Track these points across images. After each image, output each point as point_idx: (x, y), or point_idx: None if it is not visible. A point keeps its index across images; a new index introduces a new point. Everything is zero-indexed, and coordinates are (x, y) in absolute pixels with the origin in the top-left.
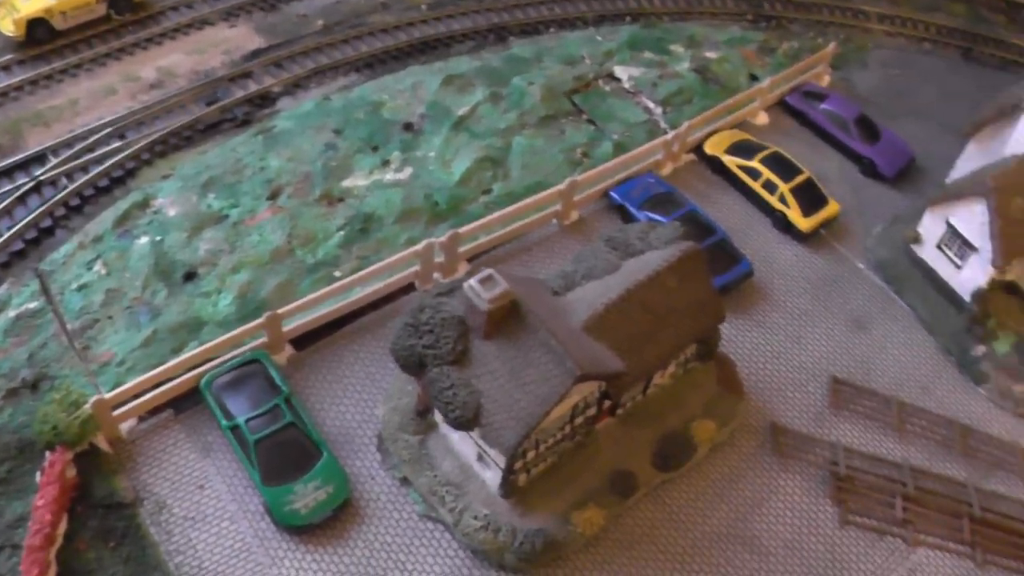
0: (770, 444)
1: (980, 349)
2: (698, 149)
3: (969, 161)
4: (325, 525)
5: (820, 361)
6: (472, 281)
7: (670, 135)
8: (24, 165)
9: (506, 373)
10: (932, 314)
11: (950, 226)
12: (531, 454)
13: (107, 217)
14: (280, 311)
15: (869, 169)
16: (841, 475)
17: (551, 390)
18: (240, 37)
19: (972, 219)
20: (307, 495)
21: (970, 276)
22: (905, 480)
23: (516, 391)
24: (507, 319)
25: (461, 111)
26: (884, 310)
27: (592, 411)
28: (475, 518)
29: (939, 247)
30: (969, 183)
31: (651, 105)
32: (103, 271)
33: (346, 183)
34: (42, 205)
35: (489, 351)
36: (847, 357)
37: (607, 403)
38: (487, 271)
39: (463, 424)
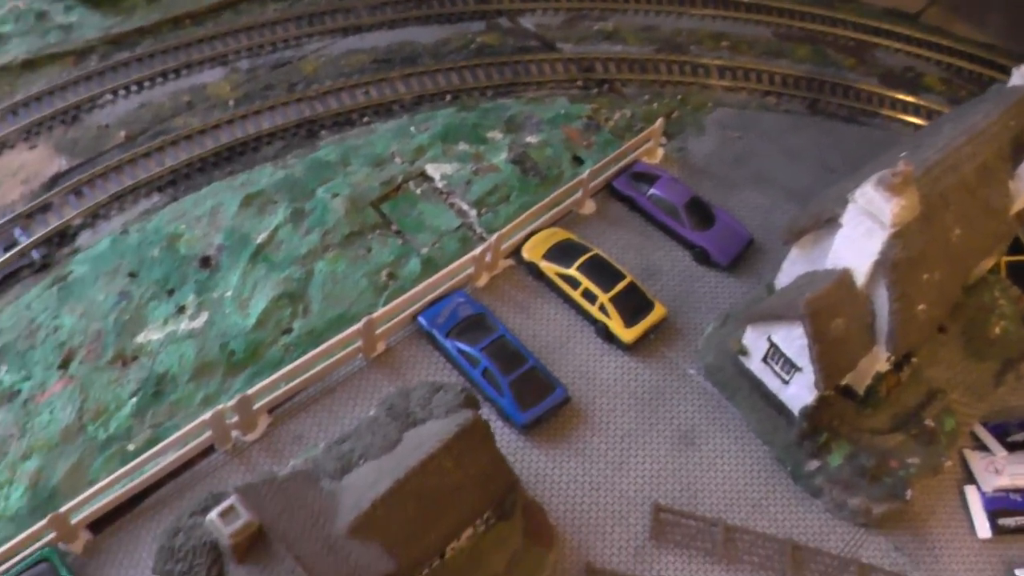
0: None
1: (813, 464)
2: (519, 251)
3: (794, 265)
4: None
5: (644, 487)
6: (213, 515)
7: (479, 250)
8: None
9: None
10: (763, 425)
11: (772, 344)
12: None
13: None
14: (63, 509)
15: (702, 258)
16: None
17: None
18: (39, 160)
19: (792, 340)
20: None
21: (796, 392)
22: None
23: None
24: (256, 544)
25: (260, 237)
26: (715, 421)
27: None
28: None
29: (765, 360)
30: (785, 304)
31: (465, 207)
32: None
33: (140, 339)
34: None
35: None
36: (673, 479)
37: None
38: (230, 499)
39: None
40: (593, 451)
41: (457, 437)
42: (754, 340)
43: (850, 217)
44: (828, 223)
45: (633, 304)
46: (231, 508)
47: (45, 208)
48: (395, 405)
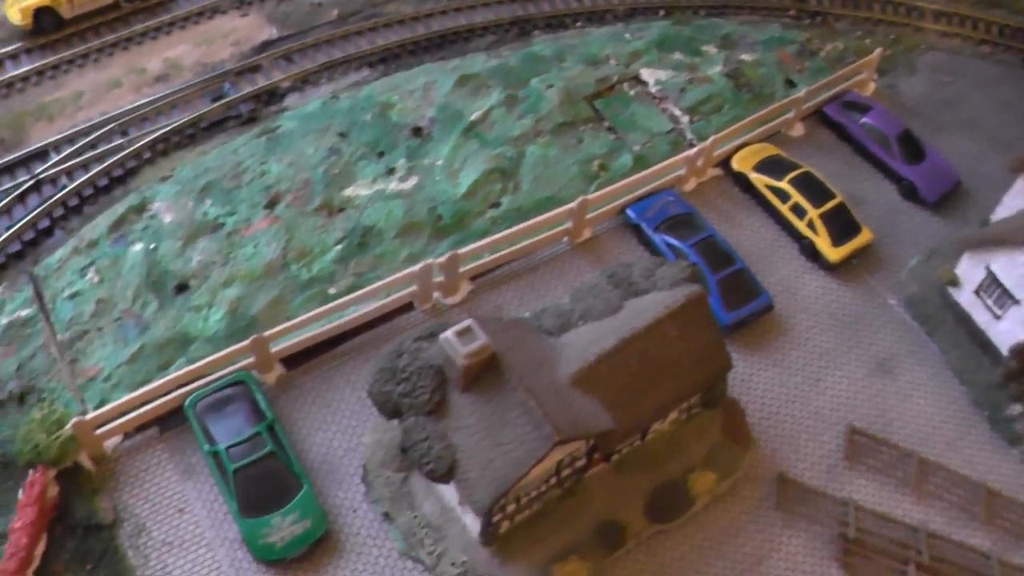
0: (776, 497)
1: (1016, 408)
2: (725, 163)
3: (1017, 198)
4: (303, 559)
5: (839, 408)
6: (449, 333)
7: (693, 151)
8: (25, 161)
9: (482, 430)
10: (964, 363)
11: (990, 273)
12: (511, 507)
13: (103, 221)
14: (266, 334)
15: (909, 192)
16: (850, 537)
17: (527, 454)
18: (250, 27)
19: (1014, 269)
20: (283, 529)
21: (1009, 328)
22: (920, 547)
23: (491, 450)
24: (486, 373)
25: (473, 115)
26: (913, 353)
27: (581, 462)
28: (453, 564)
29: (976, 293)
30: (1012, 229)
31: (677, 113)
32: (96, 279)
33: (347, 192)
34: (41, 204)
35: (467, 405)
36: (868, 404)
37: (598, 455)
38: (467, 321)
39: (436, 478)
40: (791, 364)
41: (684, 306)
42: (969, 269)
43: None
44: None
45: (841, 224)
46: (468, 329)
47: (254, 69)
48: (617, 273)
